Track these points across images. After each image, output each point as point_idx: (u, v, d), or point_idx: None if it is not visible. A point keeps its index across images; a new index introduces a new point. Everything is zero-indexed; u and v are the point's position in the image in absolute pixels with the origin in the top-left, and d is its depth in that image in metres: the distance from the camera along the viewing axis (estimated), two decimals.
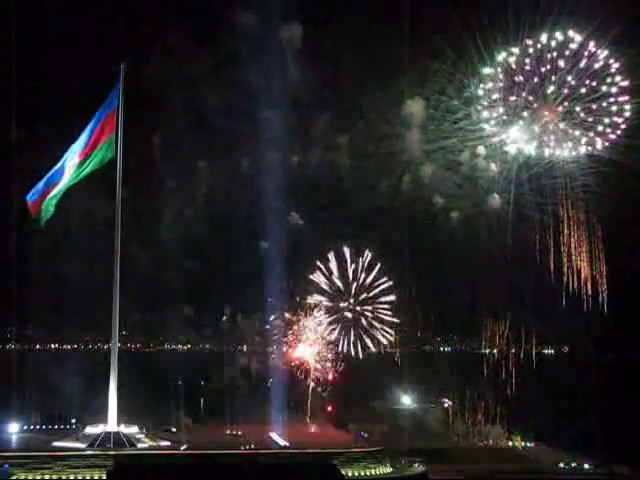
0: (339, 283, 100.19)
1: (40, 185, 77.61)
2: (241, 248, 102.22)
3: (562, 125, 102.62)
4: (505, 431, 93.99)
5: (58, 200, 77.40)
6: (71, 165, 78.30)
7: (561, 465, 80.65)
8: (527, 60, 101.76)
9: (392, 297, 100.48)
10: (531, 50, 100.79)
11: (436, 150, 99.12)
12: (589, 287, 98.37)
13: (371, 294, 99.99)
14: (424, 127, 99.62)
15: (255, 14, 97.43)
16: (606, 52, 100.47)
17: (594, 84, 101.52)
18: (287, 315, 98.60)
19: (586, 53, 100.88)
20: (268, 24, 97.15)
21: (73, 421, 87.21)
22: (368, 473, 75.18)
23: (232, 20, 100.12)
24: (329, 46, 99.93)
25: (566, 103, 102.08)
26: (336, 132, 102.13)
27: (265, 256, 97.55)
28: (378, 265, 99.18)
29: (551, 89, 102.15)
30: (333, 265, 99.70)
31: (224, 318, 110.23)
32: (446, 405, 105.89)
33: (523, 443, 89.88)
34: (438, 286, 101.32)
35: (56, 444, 76.90)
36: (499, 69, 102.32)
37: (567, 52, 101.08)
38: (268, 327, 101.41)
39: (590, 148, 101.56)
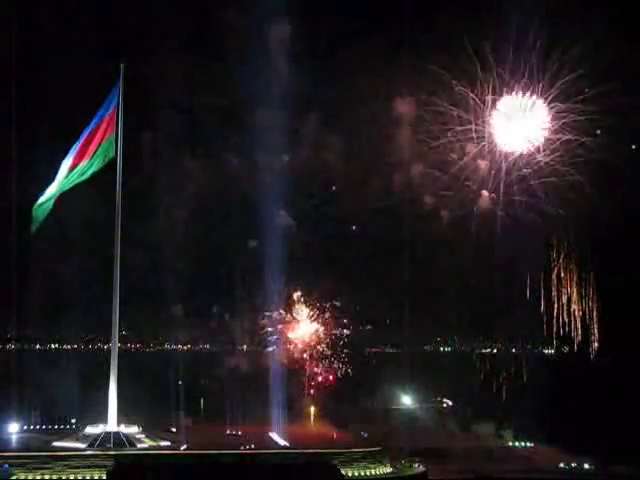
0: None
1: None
2: (234, 248, 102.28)
3: None
4: (495, 428, 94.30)
5: (52, 204, 77.39)
6: (66, 168, 78.31)
7: (561, 465, 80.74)
8: None
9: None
10: None
11: (426, 150, 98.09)
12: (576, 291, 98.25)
13: None
14: (414, 127, 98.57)
15: (247, 13, 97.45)
16: None
17: None
18: (275, 315, 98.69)
19: None
20: (262, 23, 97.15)
21: (73, 421, 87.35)
22: (368, 473, 75.25)
23: (224, 19, 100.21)
24: (320, 45, 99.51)
25: None
26: (326, 131, 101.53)
27: (258, 256, 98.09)
28: None
29: None
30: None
31: (218, 318, 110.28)
32: (445, 405, 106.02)
33: (523, 443, 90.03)
34: (432, 287, 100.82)
35: (56, 444, 77.04)
36: None
37: None
38: (263, 326, 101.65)
39: None
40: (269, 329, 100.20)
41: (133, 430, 79.57)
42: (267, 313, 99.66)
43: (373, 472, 75.60)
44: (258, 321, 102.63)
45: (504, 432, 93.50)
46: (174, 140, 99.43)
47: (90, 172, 79.00)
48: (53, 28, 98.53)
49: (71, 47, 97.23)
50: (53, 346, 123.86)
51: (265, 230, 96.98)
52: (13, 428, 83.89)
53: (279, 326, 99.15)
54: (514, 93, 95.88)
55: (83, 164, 78.77)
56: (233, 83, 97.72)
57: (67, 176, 78.06)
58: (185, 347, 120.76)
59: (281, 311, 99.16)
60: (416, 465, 78.97)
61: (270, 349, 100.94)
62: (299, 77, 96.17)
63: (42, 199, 77.05)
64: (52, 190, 77.51)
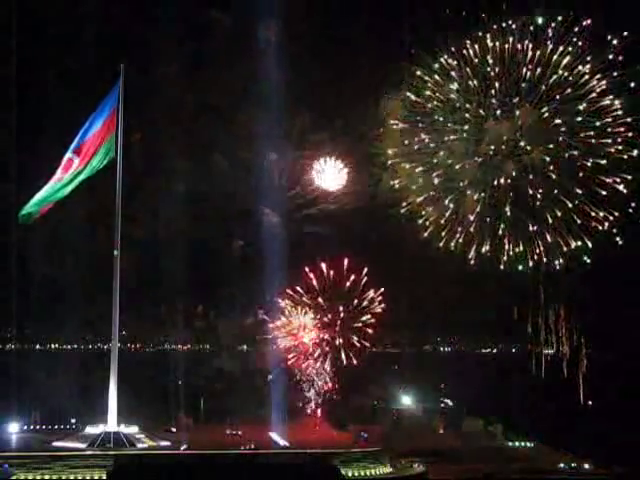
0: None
1: None
2: (224, 247, 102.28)
3: None
4: (484, 425, 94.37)
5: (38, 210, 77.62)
6: (63, 171, 78.25)
7: (561, 465, 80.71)
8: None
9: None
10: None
11: (413, 151, 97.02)
12: None
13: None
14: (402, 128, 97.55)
15: (241, 14, 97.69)
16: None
17: None
18: (265, 315, 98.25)
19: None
20: (253, 23, 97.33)
21: (73, 421, 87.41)
22: (368, 473, 75.36)
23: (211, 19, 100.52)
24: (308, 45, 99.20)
25: None
26: (314, 131, 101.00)
27: (248, 256, 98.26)
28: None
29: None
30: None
31: (213, 319, 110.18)
32: (443, 405, 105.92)
33: (523, 443, 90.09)
34: (426, 288, 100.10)
35: (56, 444, 77.16)
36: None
37: None
38: (252, 327, 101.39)
39: None
40: (263, 329, 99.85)
41: (133, 430, 79.64)
42: (259, 312, 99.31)
43: (373, 472, 75.74)
44: (249, 321, 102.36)
45: (493, 429, 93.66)
46: (162, 139, 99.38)
47: (91, 172, 79.09)
48: (52, 28, 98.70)
49: (70, 47, 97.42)
50: (53, 346, 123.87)
51: (256, 230, 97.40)
52: (13, 428, 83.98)
53: (272, 326, 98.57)
54: None
55: (82, 166, 78.85)
56: (224, 83, 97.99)
57: (65, 179, 78.16)
58: (184, 347, 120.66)
59: (271, 312, 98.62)
60: (416, 465, 79.01)
61: (265, 350, 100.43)
62: (289, 77, 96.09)
63: (32, 202, 77.22)
64: (44, 192, 77.62)
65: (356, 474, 74.68)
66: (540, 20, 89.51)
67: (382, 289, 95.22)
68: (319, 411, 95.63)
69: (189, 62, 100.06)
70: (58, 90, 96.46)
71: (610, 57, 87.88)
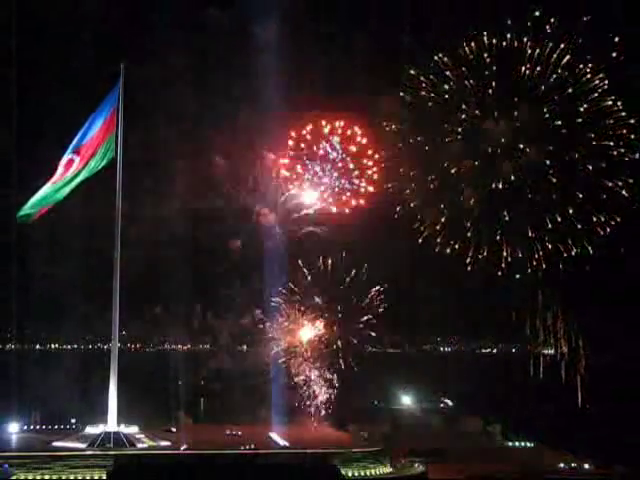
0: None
1: None
2: (219, 247, 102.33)
3: None
4: (482, 425, 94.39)
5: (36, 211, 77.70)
6: (62, 173, 78.29)
7: (561, 465, 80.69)
8: None
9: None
10: None
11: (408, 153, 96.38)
12: None
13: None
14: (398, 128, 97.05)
15: (238, 13, 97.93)
16: None
17: None
18: (262, 316, 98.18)
19: None
20: (252, 24, 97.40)
21: (73, 421, 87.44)
22: (368, 473, 75.37)
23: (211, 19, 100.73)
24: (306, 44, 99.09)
25: None
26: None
27: (245, 256, 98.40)
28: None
29: None
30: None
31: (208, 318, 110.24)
32: (443, 405, 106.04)
33: (523, 443, 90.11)
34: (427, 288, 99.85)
35: (56, 444, 77.14)
36: None
37: None
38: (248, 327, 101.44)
39: None
40: (262, 329, 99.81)
41: (133, 430, 79.66)
42: (257, 312, 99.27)
43: (373, 472, 75.75)
44: (247, 321, 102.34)
45: (492, 428, 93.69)
46: (158, 138, 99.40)
47: (90, 173, 79.09)
48: (52, 29, 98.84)
49: (70, 48, 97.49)
50: (53, 346, 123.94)
51: (255, 230, 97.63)
52: (13, 428, 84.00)
53: (271, 326, 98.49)
54: None
55: (82, 166, 78.85)
56: (221, 82, 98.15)
57: (65, 179, 78.16)
58: (184, 347, 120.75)
59: (270, 312, 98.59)
60: (416, 465, 79.02)
61: (264, 350, 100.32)
62: (286, 75, 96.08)
63: (31, 202, 77.23)
64: (44, 192, 77.61)
65: (356, 474, 74.69)
66: (537, 14, 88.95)
67: (383, 286, 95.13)
68: (319, 411, 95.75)
69: (189, 61, 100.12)
70: (58, 91, 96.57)
71: (613, 55, 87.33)
